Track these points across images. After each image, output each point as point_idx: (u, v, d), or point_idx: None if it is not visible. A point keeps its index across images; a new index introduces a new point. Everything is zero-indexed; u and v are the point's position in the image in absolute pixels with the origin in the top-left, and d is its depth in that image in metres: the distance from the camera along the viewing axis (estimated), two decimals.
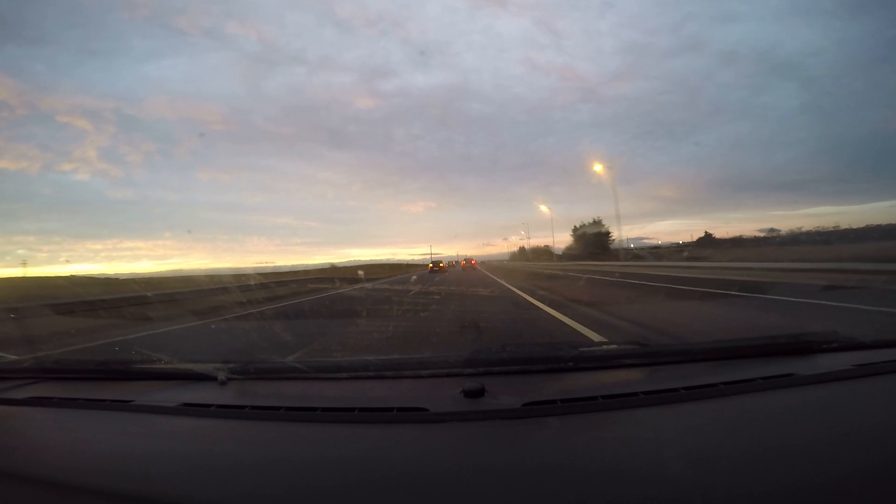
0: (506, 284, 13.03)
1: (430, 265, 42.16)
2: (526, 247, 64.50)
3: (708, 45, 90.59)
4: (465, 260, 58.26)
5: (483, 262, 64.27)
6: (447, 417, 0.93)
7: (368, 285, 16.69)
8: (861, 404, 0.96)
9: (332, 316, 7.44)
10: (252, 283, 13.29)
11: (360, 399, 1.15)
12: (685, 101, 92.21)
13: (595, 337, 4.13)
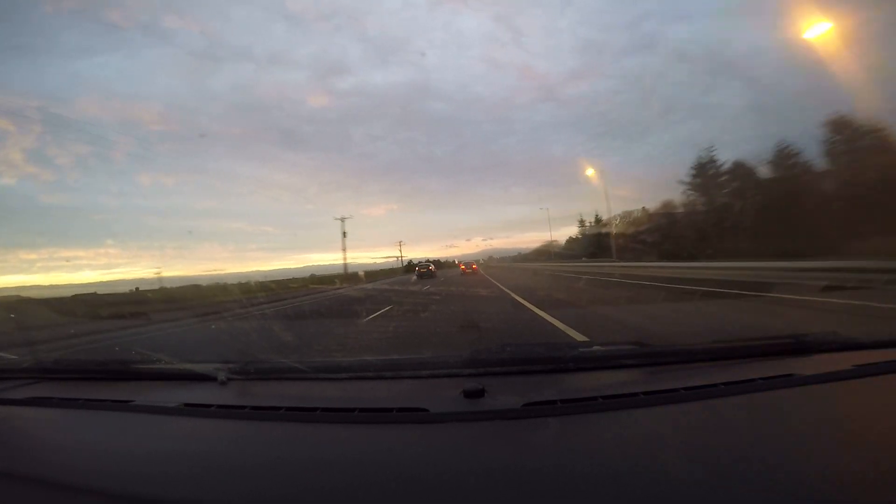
0: None
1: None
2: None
3: (661, 44, 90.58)
4: (434, 264, 42.11)
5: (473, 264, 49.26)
6: (447, 418, 0.93)
7: None
8: (861, 404, 0.96)
9: None
10: None
11: (361, 399, 1.15)
12: (639, 100, 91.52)
13: None
